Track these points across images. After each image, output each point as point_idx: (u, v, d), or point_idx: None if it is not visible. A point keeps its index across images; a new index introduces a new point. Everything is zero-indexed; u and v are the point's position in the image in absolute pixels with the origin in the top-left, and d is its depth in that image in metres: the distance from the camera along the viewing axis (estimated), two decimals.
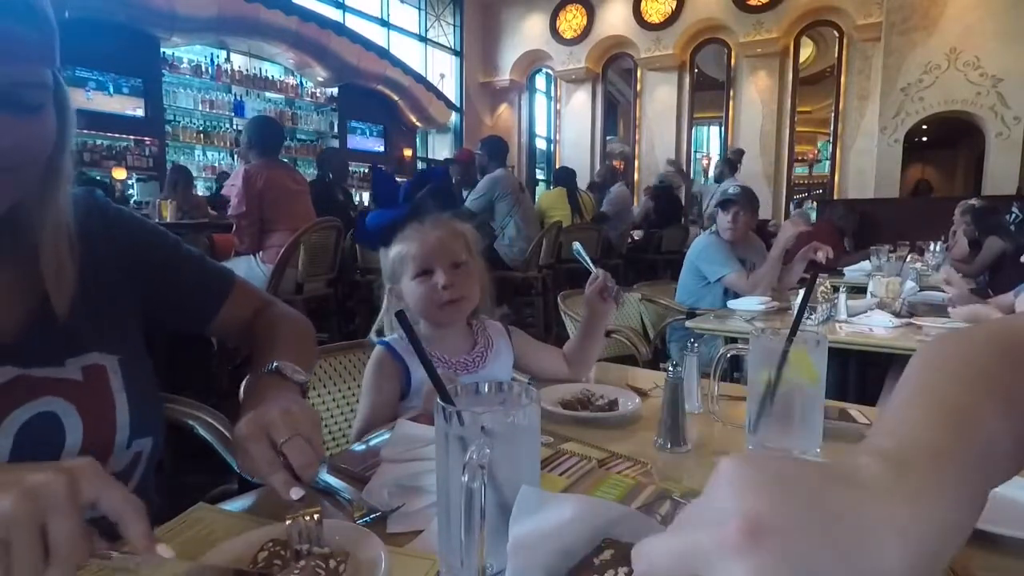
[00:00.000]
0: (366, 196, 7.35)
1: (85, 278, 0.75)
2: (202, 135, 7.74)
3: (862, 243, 4.85)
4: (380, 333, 1.19)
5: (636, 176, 10.35)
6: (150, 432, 0.78)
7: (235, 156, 7.85)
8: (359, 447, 0.91)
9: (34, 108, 0.63)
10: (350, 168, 6.20)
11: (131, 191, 5.75)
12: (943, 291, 2.40)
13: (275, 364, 0.78)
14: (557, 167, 8.43)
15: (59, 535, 0.45)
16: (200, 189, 6.86)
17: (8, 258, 0.71)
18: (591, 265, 1.24)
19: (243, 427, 0.66)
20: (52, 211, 0.70)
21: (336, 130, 9.07)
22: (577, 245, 1.29)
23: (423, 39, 10.62)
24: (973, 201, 4.73)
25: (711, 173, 7.40)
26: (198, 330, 0.94)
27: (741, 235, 2.79)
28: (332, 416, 1.32)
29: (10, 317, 0.70)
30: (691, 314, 2.39)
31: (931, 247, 3.87)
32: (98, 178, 5.98)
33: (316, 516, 0.57)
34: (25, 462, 0.52)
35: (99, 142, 6.54)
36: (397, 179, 1.19)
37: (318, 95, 9.00)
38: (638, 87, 10.35)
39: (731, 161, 6.59)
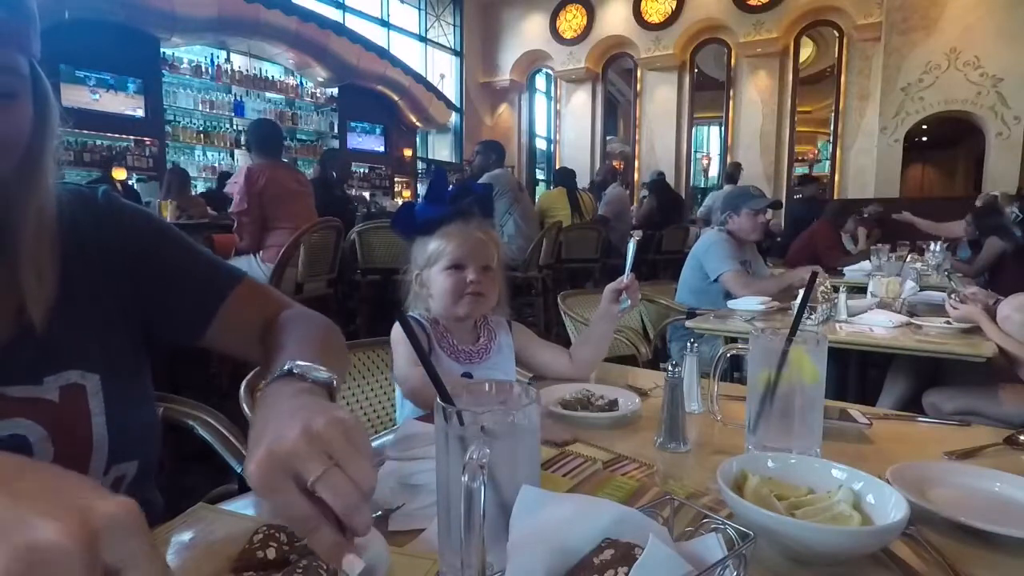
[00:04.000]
0: (366, 196, 7.36)
1: (70, 286, 0.68)
2: (202, 135, 7.73)
3: (885, 239, 4.79)
4: None
5: (636, 176, 10.35)
6: (135, 455, 0.72)
7: (234, 156, 7.87)
8: None
9: (6, 96, 0.59)
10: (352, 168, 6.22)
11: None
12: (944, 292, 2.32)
13: (287, 366, 0.58)
14: (557, 167, 8.42)
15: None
16: (200, 188, 6.86)
17: None
18: (629, 267, 1.27)
19: (255, 471, 0.44)
20: (31, 212, 0.64)
21: (336, 130, 9.07)
22: (633, 244, 1.30)
23: (423, 39, 10.61)
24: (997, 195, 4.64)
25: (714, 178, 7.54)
26: (192, 336, 0.79)
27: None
28: None
29: None
30: (691, 314, 2.39)
31: (931, 247, 3.86)
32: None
33: None
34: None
35: (99, 142, 6.52)
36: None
37: (318, 95, 9.00)
38: (638, 87, 10.35)
39: (731, 175, 6.92)
